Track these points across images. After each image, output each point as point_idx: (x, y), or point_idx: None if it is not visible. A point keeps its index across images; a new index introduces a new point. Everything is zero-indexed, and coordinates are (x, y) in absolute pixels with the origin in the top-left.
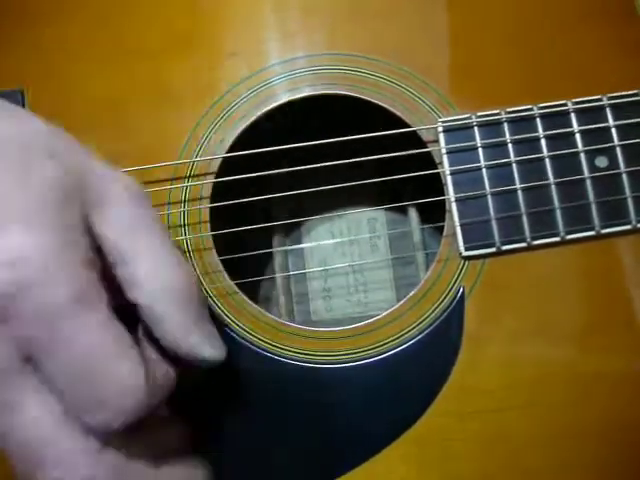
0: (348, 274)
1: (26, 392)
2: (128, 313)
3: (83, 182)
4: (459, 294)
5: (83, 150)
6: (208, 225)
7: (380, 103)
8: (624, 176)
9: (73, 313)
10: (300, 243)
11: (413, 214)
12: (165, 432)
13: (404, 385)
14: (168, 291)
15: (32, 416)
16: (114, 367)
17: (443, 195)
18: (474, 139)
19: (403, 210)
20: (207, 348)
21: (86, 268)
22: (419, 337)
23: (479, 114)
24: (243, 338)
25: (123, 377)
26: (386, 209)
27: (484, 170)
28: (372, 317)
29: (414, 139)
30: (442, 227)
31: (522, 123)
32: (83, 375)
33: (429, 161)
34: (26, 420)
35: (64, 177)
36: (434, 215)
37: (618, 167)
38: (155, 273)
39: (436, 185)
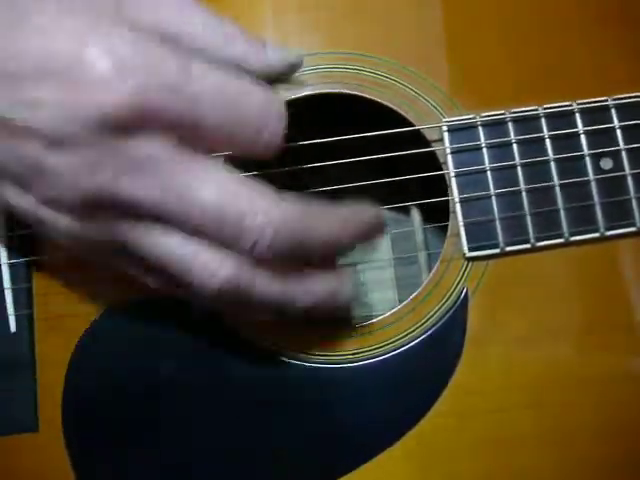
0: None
1: (195, 172)
2: None
3: None
4: (462, 295)
5: None
6: None
7: (384, 102)
8: (629, 178)
9: (188, 73)
10: None
11: (416, 214)
12: None
13: (406, 385)
14: (228, 32)
15: (211, 189)
16: (250, 91)
17: (447, 195)
18: (478, 139)
19: (406, 210)
20: (287, 51)
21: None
22: (422, 338)
23: (484, 114)
24: (245, 338)
25: (261, 95)
26: (389, 209)
27: (488, 170)
28: (374, 317)
29: (418, 139)
30: (445, 227)
31: (527, 123)
32: (231, 112)
33: (434, 160)
34: (208, 194)
35: None
36: (437, 215)
37: (623, 169)
38: (209, 26)
39: (440, 184)
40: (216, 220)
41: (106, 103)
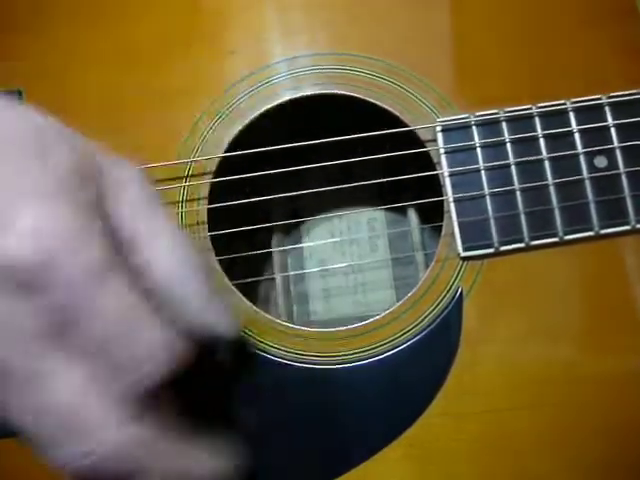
0: (347, 274)
1: (57, 361)
2: None
3: (98, 166)
4: (457, 294)
5: (87, 139)
6: (206, 226)
7: (379, 103)
8: (623, 176)
9: (101, 278)
10: (299, 243)
11: (413, 214)
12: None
13: (403, 386)
14: (185, 270)
15: (66, 385)
16: (147, 327)
17: (442, 195)
18: (472, 138)
19: (403, 210)
20: (222, 325)
21: (106, 238)
22: (417, 338)
23: (477, 114)
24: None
25: (156, 336)
26: (386, 209)
27: (482, 170)
28: (371, 317)
29: (414, 139)
30: (442, 227)
31: (521, 122)
32: (117, 338)
33: (428, 160)
34: (59, 389)
35: (80, 160)
36: (434, 215)
37: (617, 167)
38: (172, 254)
39: (436, 184)
40: (48, 419)
41: (4, 253)
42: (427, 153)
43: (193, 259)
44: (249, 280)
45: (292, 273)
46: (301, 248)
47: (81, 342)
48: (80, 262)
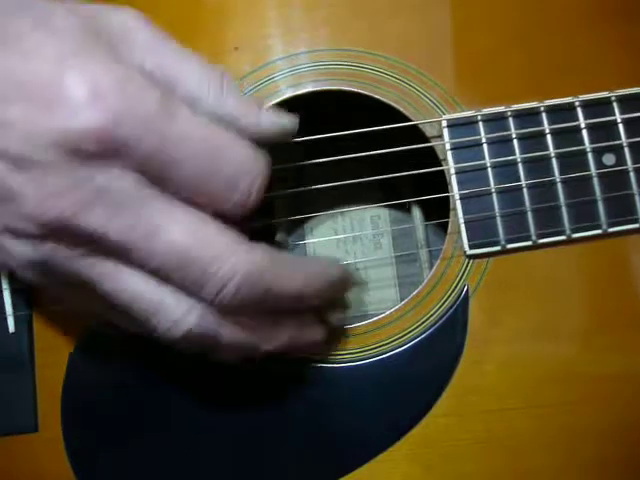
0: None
1: (164, 211)
2: None
3: (99, 21)
4: (463, 293)
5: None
6: None
7: (383, 99)
8: (631, 174)
9: (171, 114)
10: (303, 240)
11: (417, 211)
12: None
13: (407, 385)
14: (224, 87)
15: (179, 231)
16: (229, 143)
17: (447, 191)
18: (479, 134)
19: (407, 207)
20: (281, 116)
21: (152, 78)
22: (423, 336)
23: (484, 110)
24: None
25: (240, 149)
26: (389, 206)
27: (489, 167)
28: (375, 315)
29: (418, 136)
30: (446, 224)
31: (528, 118)
32: (208, 163)
33: (433, 157)
34: (175, 237)
35: (82, 20)
36: (438, 212)
37: (625, 164)
38: (206, 77)
39: (440, 181)
40: (181, 265)
41: (75, 128)
42: (431, 150)
43: (219, 78)
44: None
45: None
46: (304, 245)
47: (178, 183)
48: (145, 105)
